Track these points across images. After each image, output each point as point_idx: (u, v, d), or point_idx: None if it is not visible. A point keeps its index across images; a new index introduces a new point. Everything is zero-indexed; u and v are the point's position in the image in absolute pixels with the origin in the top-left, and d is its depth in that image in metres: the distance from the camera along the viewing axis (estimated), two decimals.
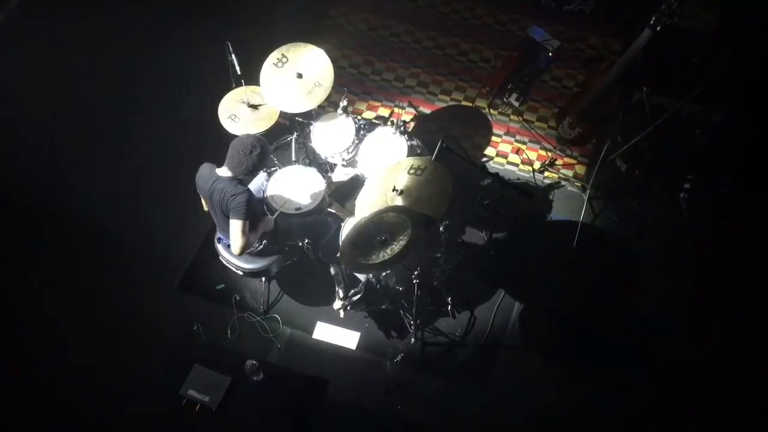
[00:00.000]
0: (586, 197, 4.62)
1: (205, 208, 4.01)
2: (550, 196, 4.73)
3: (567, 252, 4.46)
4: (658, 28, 3.83)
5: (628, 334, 4.24)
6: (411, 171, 3.79)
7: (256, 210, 3.77)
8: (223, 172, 3.66)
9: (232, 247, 3.71)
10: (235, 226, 3.61)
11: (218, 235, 4.01)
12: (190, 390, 3.87)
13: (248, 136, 3.63)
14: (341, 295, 4.08)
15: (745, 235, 4.48)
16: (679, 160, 4.66)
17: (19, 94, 5.18)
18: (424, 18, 5.59)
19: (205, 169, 3.76)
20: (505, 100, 5.11)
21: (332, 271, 4.07)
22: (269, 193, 4.20)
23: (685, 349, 4.15)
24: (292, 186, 4.22)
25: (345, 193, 4.39)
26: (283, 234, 4.03)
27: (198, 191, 3.85)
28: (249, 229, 3.66)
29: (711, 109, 4.67)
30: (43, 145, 4.99)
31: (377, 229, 3.53)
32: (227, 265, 4.05)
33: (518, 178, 4.82)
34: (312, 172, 4.29)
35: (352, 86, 5.21)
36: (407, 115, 5.10)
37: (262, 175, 4.30)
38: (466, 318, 4.31)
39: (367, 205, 3.80)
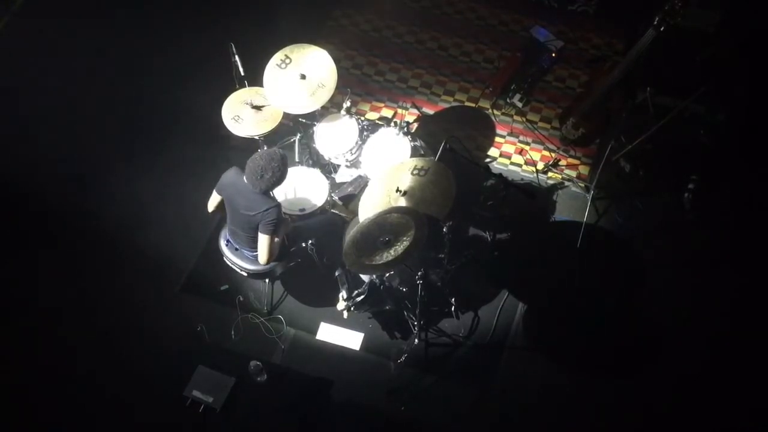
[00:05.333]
0: (589, 198, 4.61)
1: (210, 209, 4.00)
2: (554, 197, 4.73)
3: (571, 252, 4.45)
4: (662, 28, 3.82)
5: (632, 334, 4.24)
6: (414, 172, 3.79)
7: (283, 222, 3.79)
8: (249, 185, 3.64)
9: (260, 258, 3.76)
10: (265, 240, 3.67)
11: (227, 237, 4.01)
12: (194, 391, 3.86)
13: (256, 158, 3.56)
14: (345, 295, 4.08)
15: (749, 234, 4.47)
16: (683, 160, 4.65)
17: (23, 96, 5.19)
18: (427, 19, 5.59)
19: (232, 172, 3.75)
20: (508, 100, 5.11)
21: (336, 272, 4.07)
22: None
23: (688, 349, 4.15)
24: (296, 187, 4.22)
25: (348, 194, 4.38)
26: (293, 238, 4.03)
27: (217, 190, 3.83)
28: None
29: (715, 108, 4.66)
30: (46, 147, 4.99)
31: (380, 230, 3.53)
32: (231, 266, 4.05)
33: (522, 179, 4.82)
34: (315, 173, 4.29)
35: (356, 87, 5.21)
36: (410, 115, 5.10)
37: None
38: (469, 319, 4.31)
39: (370, 206, 3.80)
